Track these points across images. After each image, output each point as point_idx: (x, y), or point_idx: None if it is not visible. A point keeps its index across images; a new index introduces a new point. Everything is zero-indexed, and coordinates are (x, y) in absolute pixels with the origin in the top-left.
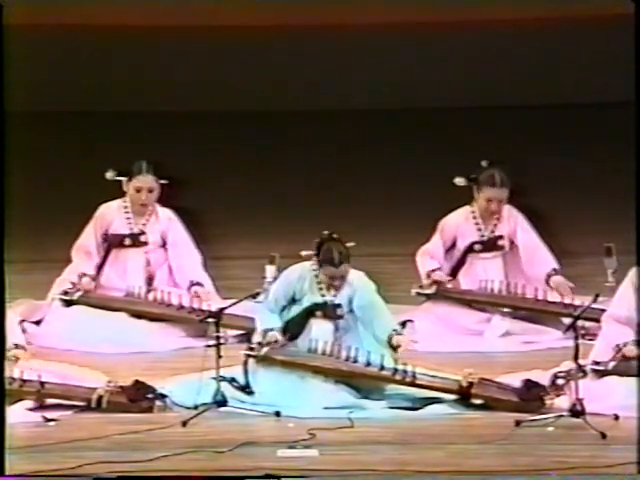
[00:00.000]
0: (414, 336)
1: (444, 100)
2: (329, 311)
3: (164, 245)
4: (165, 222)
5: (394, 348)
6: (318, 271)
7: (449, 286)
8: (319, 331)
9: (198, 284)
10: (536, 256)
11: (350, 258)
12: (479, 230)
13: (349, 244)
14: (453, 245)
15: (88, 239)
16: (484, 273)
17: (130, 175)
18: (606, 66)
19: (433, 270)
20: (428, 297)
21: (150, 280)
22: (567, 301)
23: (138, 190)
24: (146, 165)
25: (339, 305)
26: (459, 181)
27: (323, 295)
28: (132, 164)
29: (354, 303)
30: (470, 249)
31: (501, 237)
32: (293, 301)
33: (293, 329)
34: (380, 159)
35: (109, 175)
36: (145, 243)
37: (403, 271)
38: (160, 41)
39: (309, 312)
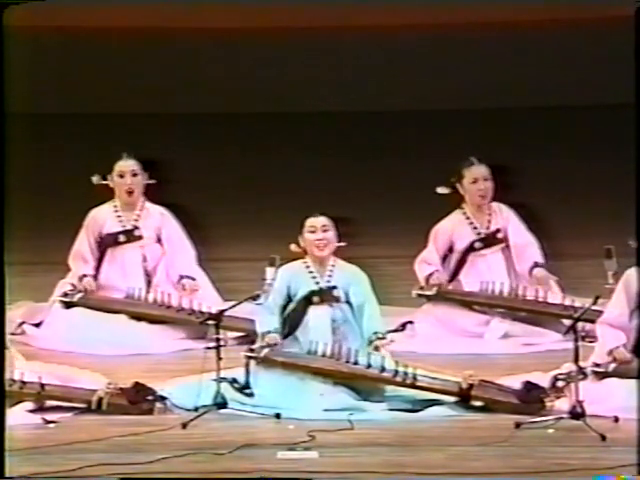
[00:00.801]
0: (414, 339)
1: (445, 102)
2: (325, 295)
3: (159, 241)
4: (158, 217)
5: (372, 348)
6: (309, 261)
7: (450, 287)
8: (317, 320)
9: (187, 277)
10: (525, 253)
11: (332, 220)
12: (475, 229)
13: (341, 243)
14: (450, 250)
15: (82, 245)
16: (487, 270)
17: (111, 168)
18: (606, 68)
19: (431, 273)
20: (428, 299)
21: (149, 276)
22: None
23: (122, 175)
24: (126, 154)
25: (334, 287)
26: (441, 190)
27: (317, 282)
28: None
29: (350, 291)
30: (471, 248)
31: (499, 230)
32: (289, 299)
33: (292, 320)
34: (381, 161)
35: (95, 180)
36: (139, 237)
37: (403, 273)
38: (159, 43)
39: (307, 300)
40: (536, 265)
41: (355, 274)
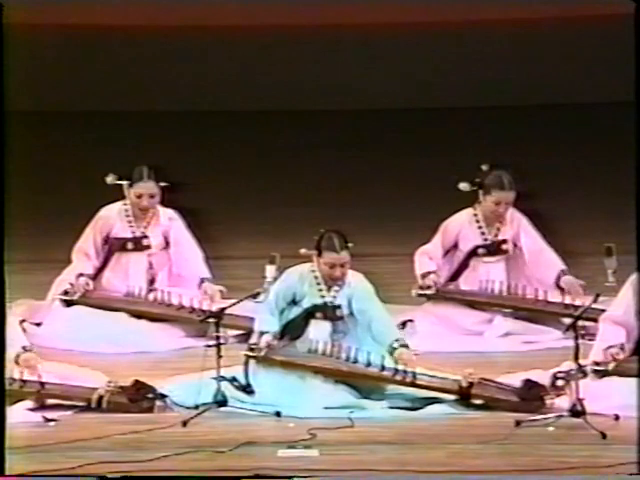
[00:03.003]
0: (414, 337)
1: (445, 101)
2: (329, 312)
3: (166, 247)
4: (166, 222)
5: (396, 360)
6: (317, 271)
7: (450, 287)
8: (317, 333)
9: (207, 279)
10: (542, 259)
11: (349, 251)
12: (482, 234)
13: (349, 244)
14: (454, 247)
15: (87, 242)
16: (486, 276)
17: (131, 181)
18: (606, 66)
19: (429, 272)
20: (428, 298)
21: (152, 283)
22: (577, 302)
23: (139, 196)
24: (147, 171)
25: (338, 306)
26: (464, 187)
27: (323, 296)
28: (133, 165)
29: (352, 305)
30: (473, 253)
31: (505, 241)
32: (293, 303)
33: (292, 330)
34: (381, 159)
35: (109, 179)
36: (147, 247)
37: (404, 271)
38: (160, 41)
39: (309, 313)
40: (563, 273)
41: (358, 286)
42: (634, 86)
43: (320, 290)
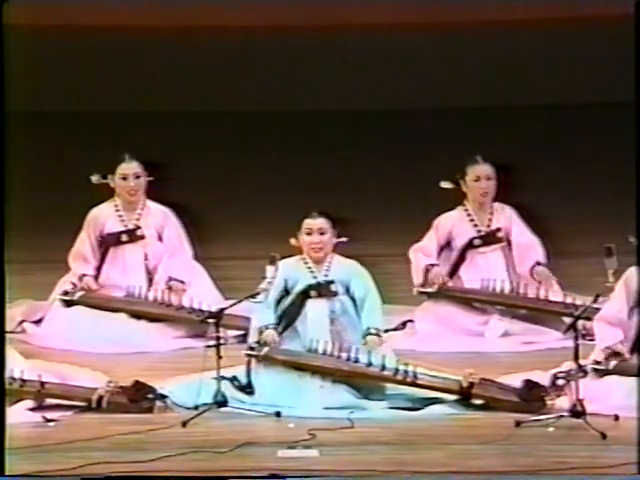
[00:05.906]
0: (414, 337)
1: (444, 100)
2: (323, 289)
3: (160, 239)
4: (160, 217)
5: (365, 343)
6: (306, 256)
7: (450, 284)
8: (315, 312)
9: (176, 280)
10: (528, 254)
11: (330, 222)
12: (475, 226)
13: (343, 239)
14: (447, 244)
15: (82, 245)
16: (487, 268)
17: (114, 168)
18: (606, 66)
19: (431, 265)
20: (429, 296)
21: (150, 274)
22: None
23: (124, 178)
24: (129, 155)
25: (332, 281)
26: (445, 184)
27: (315, 277)
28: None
29: (351, 288)
30: (470, 245)
31: (499, 230)
32: (286, 292)
33: (291, 313)
34: (381, 159)
35: (94, 179)
36: (141, 237)
37: (403, 271)
38: (160, 41)
39: (304, 294)
40: (538, 264)
41: (355, 268)
42: (634, 86)
43: (312, 272)
